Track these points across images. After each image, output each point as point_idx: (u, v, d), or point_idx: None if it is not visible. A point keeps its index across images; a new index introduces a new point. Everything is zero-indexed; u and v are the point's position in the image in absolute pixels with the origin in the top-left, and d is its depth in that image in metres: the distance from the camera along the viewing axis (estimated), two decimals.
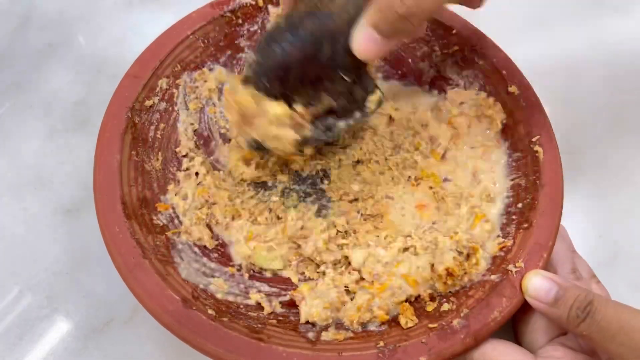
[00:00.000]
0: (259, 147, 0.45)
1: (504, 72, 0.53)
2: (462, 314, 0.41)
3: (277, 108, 0.42)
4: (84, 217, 0.54)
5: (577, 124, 0.62)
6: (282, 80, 0.41)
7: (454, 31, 0.55)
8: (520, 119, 0.51)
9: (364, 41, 0.37)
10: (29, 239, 0.53)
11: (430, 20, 0.55)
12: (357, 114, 0.45)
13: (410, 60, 0.58)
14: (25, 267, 0.52)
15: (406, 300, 0.44)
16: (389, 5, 0.35)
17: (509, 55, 0.54)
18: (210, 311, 0.40)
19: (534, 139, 0.49)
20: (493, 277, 0.43)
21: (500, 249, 0.45)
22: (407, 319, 0.42)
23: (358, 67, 0.42)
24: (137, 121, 0.48)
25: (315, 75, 0.41)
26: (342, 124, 0.45)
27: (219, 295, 0.43)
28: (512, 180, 0.50)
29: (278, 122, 0.42)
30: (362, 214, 0.49)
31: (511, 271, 0.43)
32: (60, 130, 0.60)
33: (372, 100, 0.45)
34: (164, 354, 0.48)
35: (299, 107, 0.43)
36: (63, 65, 0.65)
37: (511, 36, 0.56)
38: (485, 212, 0.48)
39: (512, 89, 0.52)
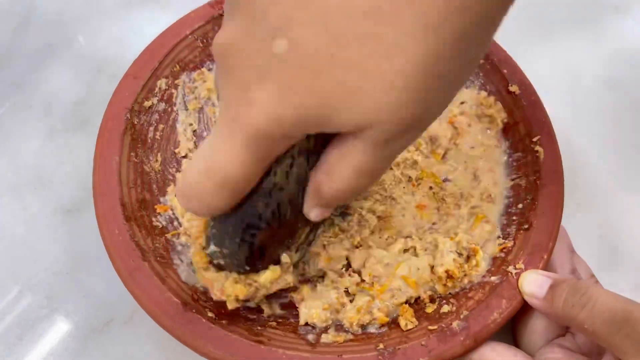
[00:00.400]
0: None
1: (504, 71, 0.53)
2: (461, 316, 0.41)
3: (269, 275, 0.40)
4: (84, 217, 0.54)
5: (577, 123, 0.62)
6: (261, 258, 0.40)
7: None
8: (521, 119, 0.51)
9: (320, 215, 0.36)
10: (29, 239, 0.53)
11: None
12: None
13: None
14: (25, 267, 0.52)
15: (406, 302, 0.44)
16: (316, 194, 0.34)
17: (510, 54, 0.53)
18: (209, 313, 0.40)
19: (534, 139, 0.49)
20: (493, 278, 0.43)
21: (501, 250, 0.45)
22: (407, 321, 0.42)
23: None
24: (136, 122, 0.48)
25: (288, 231, 0.40)
26: (319, 231, 0.45)
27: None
28: (512, 180, 0.50)
29: (274, 281, 0.41)
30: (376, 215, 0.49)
31: (511, 272, 0.43)
32: (60, 130, 0.60)
33: None
34: (164, 354, 0.48)
35: (285, 258, 0.41)
36: (63, 65, 0.65)
37: (511, 36, 0.56)
38: (485, 213, 0.48)
39: (513, 88, 0.52)
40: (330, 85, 0.26)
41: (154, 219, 0.46)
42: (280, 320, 0.43)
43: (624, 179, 0.59)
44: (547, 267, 0.44)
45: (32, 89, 0.62)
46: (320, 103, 0.26)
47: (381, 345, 0.40)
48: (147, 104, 0.50)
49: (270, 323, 0.42)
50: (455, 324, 0.40)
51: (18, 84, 0.63)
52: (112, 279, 0.41)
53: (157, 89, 0.51)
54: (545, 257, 0.43)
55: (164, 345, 0.48)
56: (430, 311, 0.43)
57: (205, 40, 0.54)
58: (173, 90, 0.52)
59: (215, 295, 0.40)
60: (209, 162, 0.30)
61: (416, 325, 0.42)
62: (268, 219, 0.36)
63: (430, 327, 0.41)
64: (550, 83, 0.64)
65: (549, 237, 0.44)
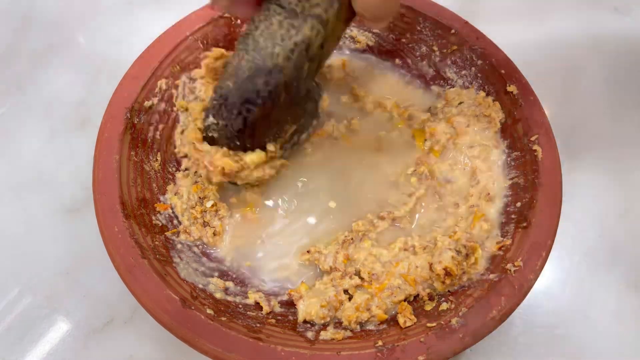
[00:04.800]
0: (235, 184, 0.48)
1: (502, 71, 0.53)
2: (460, 313, 0.41)
3: (255, 157, 0.45)
4: (84, 217, 0.54)
5: (576, 123, 0.62)
6: (251, 136, 0.44)
7: (453, 31, 0.55)
8: (519, 119, 0.51)
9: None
10: (29, 239, 0.53)
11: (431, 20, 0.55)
12: (314, 122, 0.51)
13: (409, 60, 0.58)
14: (25, 267, 0.52)
15: (405, 300, 0.44)
16: None
17: (509, 55, 0.53)
18: (209, 311, 0.40)
19: (532, 138, 0.49)
20: (492, 276, 0.43)
21: (499, 248, 0.45)
22: (406, 318, 0.42)
23: (308, 87, 0.46)
24: (136, 122, 0.48)
25: (277, 117, 0.44)
26: (304, 136, 0.50)
27: (217, 295, 0.43)
28: (510, 179, 0.50)
29: (257, 166, 0.46)
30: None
31: (510, 270, 0.43)
32: (61, 130, 0.60)
33: (322, 106, 0.49)
34: (164, 354, 0.48)
35: (270, 146, 0.46)
36: (63, 65, 0.65)
37: (511, 36, 0.56)
38: (484, 212, 0.48)
39: (511, 88, 0.52)
40: None
41: (153, 218, 0.46)
42: (279, 317, 0.43)
43: (622, 179, 0.59)
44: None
45: (32, 89, 0.63)
46: None
47: (380, 342, 0.40)
48: (147, 104, 0.50)
49: (269, 320, 0.42)
50: (454, 321, 0.40)
51: (18, 84, 0.63)
52: (112, 278, 0.41)
53: (157, 89, 0.51)
54: (544, 254, 0.43)
55: (163, 344, 0.48)
56: (429, 309, 0.43)
57: (205, 42, 0.54)
58: (173, 91, 0.52)
59: (204, 168, 0.44)
60: None
61: (415, 323, 0.42)
62: (264, 97, 0.40)
63: (429, 325, 0.41)
64: (549, 82, 0.64)
65: (548, 235, 0.44)
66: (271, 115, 0.43)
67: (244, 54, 0.41)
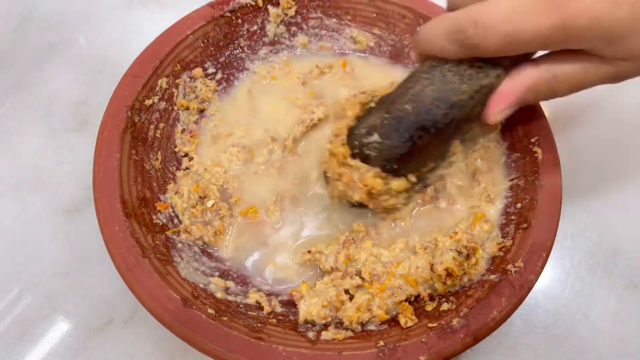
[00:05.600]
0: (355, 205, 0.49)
1: None
2: (461, 314, 0.41)
3: (401, 184, 0.45)
4: (84, 217, 0.54)
5: (576, 124, 0.62)
6: (408, 162, 0.44)
7: None
8: (519, 120, 0.51)
9: (506, 115, 0.43)
10: (29, 239, 0.53)
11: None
12: (444, 163, 0.50)
13: (410, 61, 0.58)
14: (25, 267, 0.52)
15: (406, 300, 0.44)
16: (540, 84, 0.41)
17: None
18: (210, 310, 0.40)
19: (532, 140, 0.49)
20: (492, 276, 0.43)
21: (500, 249, 0.45)
22: (407, 319, 0.42)
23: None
24: (136, 120, 0.48)
25: (432, 151, 0.46)
26: (437, 172, 0.50)
27: (218, 295, 0.43)
28: (511, 180, 0.50)
29: (398, 193, 0.46)
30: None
31: (510, 271, 0.42)
32: (60, 130, 0.60)
33: (452, 150, 0.50)
34: (164, 354, 0.48)
35: (412, 177, 0.46)
36: (63, 65, 0.65)
37: None
38: (484, 212, 0.48)
39: None
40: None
41: (154, 217, 0.46)
42: (280, 317, 0.43)
43: (622, 179, 0.59)
44: None
45: (32, 89, 0.63)
46: (631, 20, 0.35)
47: (381, 343, 0.40)
48: (147, 102, 0.50)
49: (270, 320, 0.42)
50: (455, 321, 0.40)
51: (18, 84, 0.63)
52: (112, 279, 0.41)
53: (158, 88, 0.51)
54: (544, 255, 0.43)
55: (164, 344, 0.48)
56: (430, 309, 0.43)
57: (206, 40, 0.54)
58: (174, 90, 0.52)
59: (348, 184, 0.45)
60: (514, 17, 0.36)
61: (416, 323, 0.42)
62: (440, 128, 0.42)
63: (430, 325, 0.41)
64: None
65: (548, 236, 0.44)
66: (430, 148, 0.44)
67: (429, 84, 0.42)
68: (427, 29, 0.41)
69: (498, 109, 0.42)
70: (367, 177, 0.44)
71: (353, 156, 0.45)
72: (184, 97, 0.53)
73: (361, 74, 0.59)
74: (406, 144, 0.43)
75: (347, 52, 0.60)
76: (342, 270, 0.46)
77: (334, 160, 0.46)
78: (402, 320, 0.42)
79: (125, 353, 0.48)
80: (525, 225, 0.45)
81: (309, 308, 0.42)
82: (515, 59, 0.40)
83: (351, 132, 0.46)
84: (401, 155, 0.43)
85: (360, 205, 0.47)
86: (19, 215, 0.55)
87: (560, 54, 0.40)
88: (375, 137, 0.43)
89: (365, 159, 0.44)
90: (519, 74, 0.41)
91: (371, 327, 0.42)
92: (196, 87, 0.54)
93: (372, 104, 0.47)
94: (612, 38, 0.36)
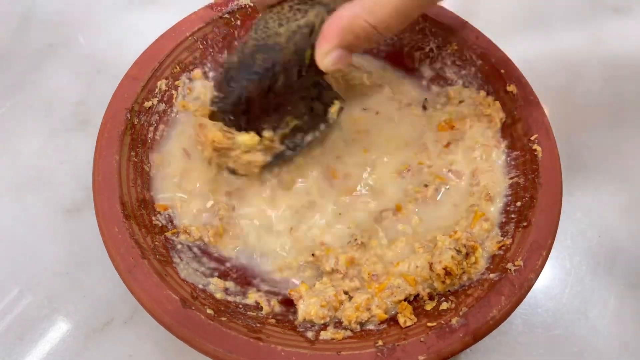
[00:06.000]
0: (233, 172, 0.49)
1: (502, 71, 0.53)
2: (461, 313, 0.41)
3: (246, 139, 0.45)
4: (84, 217, 0.54)
5: (576, 123, 0.62)
6: (245, 113, 0.44)
7: (453, 31, 0.55)
8: (519, 118, 0.51)
9: (334, 59, 0.40)
10: (29, 239, 0.53)
11: (430, 20, 0.55)
12: (322, 126, 0.50)
13: (409, 60, 0.58)
14: (25, 267, 0.52)
15: (405, 300, 0.44)
16: (355, 23, 0.38)
17: (509, 55, 0.54)
18: (209, 311, 0.40)
19: (532, 138, 0.49)
20: (492, 275, 0.43)
21: (499, 248, 0.45)
22: (406, 318, 0.42)
23: (315, 85, 0.47)
24: (136, 122, 0.49)
25: (276, 103, 0.45)
26: (308, 137, 0.49)
27: (218, 295, 0.43)
28: (511, 179, 0.50)
29: (249, 150, 0.46)
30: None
31: (510, 270, 0.42)
32: (60, 130, 0.60)
33: (332, 111, 0.49)
34: (164, 354, 0.48)
35: (267, 133, 0.46)
36: (63, 65, 0.65)
37: (511, 36, 0.56)
38: (484, 211, 0.48)
39: (511, 88, 0.52)
40: None
41: (153, 218, 0.46)
42: (279, 317, 0.43)
43: (622, 178, 0.59)
44: None
45: (32, 89, 0.63)
46: None
47: (380, 342, 0.40)
48: (147, 104, 0.50)
49: (269, 320, 0.42)
50: (454, 320, 0.40)
51: (18, 84, 0.63)
52: (112, 279, 0.41)
53: (157, 90, 0.51)
54: (544, 254, 0.43)
55: (163, 344, 0.48)
56: (429, 308, 0.43)
57: (205, 42, 0.54)
58: (173, 91, 0.52)
59: (199, 139, 0.46)
60: None
61: (415, 322, 0.42)
62: (261, 73, 0.42)
63: (429, 324, 0.41)
64: (549, 82, 0.64)
65: (548, 234, 0.44)
66: (269, 98, 0.44)
67: (252, 33, 0.43)
68: None
69: (321, 51, 0.40)
70: (210, 130, 0.45)
71: (209, 117, 0.46)
72: (184, 99, 0.53)
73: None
74: (234, 93, 0.43)
75: None
76: (343, 272, 0.46)
77: (196, 122, 0.47)
78: (401, 320, 0.42)
79: (125, 353, 0.48)
80: (525, 224, 0.45)
81: (308, 308, 0.42)
82: None
83: None
84: (233, 104, 0.43)
85: (234, 172, 0.49)
86: (19, 215, 0.55)
87: None
88: (215, 92, 0.44)
89: (213, 116, 0.46)
90: (335, 14, 0.39)
91: (370, 326, 0.42)
92: (195, 88, 0.54)
93: None
94: None
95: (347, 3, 0.39)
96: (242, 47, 0.43)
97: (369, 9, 0.37)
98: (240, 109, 0.44)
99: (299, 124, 0.48)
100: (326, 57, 0.40)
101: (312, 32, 0.41)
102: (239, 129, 0.45)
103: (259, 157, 0.47)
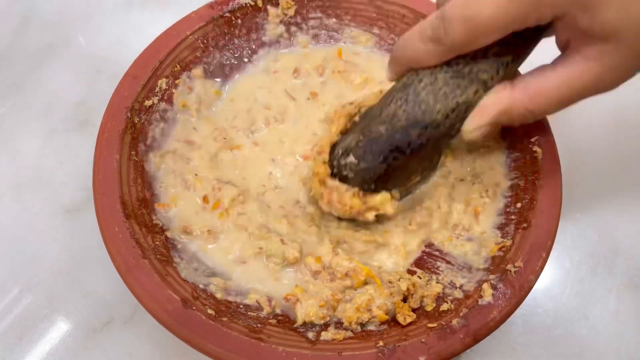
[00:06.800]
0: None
1: None
2: (461, 314, 0.41)
3: (381, 202, 0.46)
4: (84, 217, 0.54)
5: (576, 124, 0.62)
6: (387, 181, 0.45)
7: None
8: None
9: (482, 134, 0.41)
10: (29, 239, 0.53)
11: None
12: (434, 174, 0.50)
13: None
14: (25, 267, 0.52)
15: (403, 300, 0.44)
16: (514, 108, 0.38)
17: None
18: (209, 311, 0.40)
19: (532, 139, 0.49)
20: (492, 277, 0.43)
21: (499, 249, 0.45)
22: (405, 315, 0.42)
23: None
24: (136, 121, 0.48)
25: (413, 168, 0.46)
26: (422, 186, 0.50)
27: (218, 295, 0.43)
28: (510, 180, 0.50)
29: (381, 205, 0.46)
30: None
31: (510, 271, 0.42)
32: (60, 130, 0.60)
33: (443, 161, 0.50)
34: (164, 354, 0.48)
35: (395, 193, 0.47)
36: (63, 65, 0.65)
37: None
38: (484, 212, 0.49)
39: None
40: None
41: (154, 217, 0.46)
42: (280, 317, 0.43)
43: (622, 179, 0.59)
44: None
45: (32, 89, 0.63)
46: None
47: (381, 343, 0.40)
48: (147, 103, 0.50)
49: (270, 321, 0.42)
50: (454, 321, 0.40)
51: (18, 84, 0.63)
52: (112, 279, 0.41)
53: (157, 89, 0.51)
54: (544, 255, 0.43)
55: (164, 344, 0.48)
56: (429, 309, 0.43)
57: (205, 41, 0.54)
58: (173, 90, 0.52)
59: (327, 204, 0.46)
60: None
61: (416, 323, 0.42)
62: (414, 149, 0.41)
63: (429, 325, 0.41)
64: None
65: (548, 236, 0.44)
66: (409, 165, 0.44)
67: (403, 103, 0.41)
68: (403, 37, 0.40)
69: (472, 126, 0.40)
70: (346, 197, 0.45)
71: (334, 175, 0.46)
72: (184, 98, 0.53)
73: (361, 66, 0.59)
74: (381, 166, 0.43)
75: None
76: (329, 273, 0.46)
77: (315, 179, 0.46)
78: (400, 318, 0.42)
79: (125, 353, 0.48)
80: (525, 225, 0.45)
81: (307, 310, 0.42)
82: (500, 69, 0.39)
83: (332, 149, 0.46)
84: (378, 175, 0.44)
85: (352, 220, 0.48)
86: (19, 215, 0.55)
87: (538, 69, 0.38)
88: (351, 159, 0.44)
89: (344, 179, 0.45)
90: (496, 94, 0.39)
91: (371, 327, 0.42)
92: (196, 87, 0.54)
93: (357, 118, 0.47)
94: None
95: (508, 83, 0.39)
96: (391, 117, 0.42)
97: (532, 97, 0.37)
98: (382, 178, 0.44)
99: (420, 178, 0.48)
100: (476, 134, 0.40)
101: (468, 109, 0.40)
102: (373, 191, 0.46)
103: (390, 210, 0.47)
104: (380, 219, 0.49)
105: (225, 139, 0.53)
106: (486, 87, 0.39)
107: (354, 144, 0.44)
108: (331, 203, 0.46)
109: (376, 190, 0.46)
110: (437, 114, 0.40)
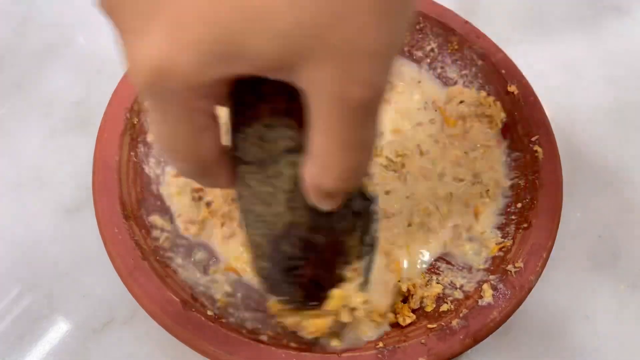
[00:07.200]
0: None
1: (503, 71, 0.53)
2: (461, 315, 0.41)
3: (337, 301, 0.38)
4: (84, 217, 0.54)
5: (577, 123, 0.62)
6: (321, 289, 0.37)
7: (453, 31, 0.55)
8: (520, 119, 0.51)
9: (335, 203, 0.30)
10: (29, 239, 0.53)
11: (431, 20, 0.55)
12: (375, 222, 0.39)
13: (409, 60, 0.58)
14: (25, 267, 0.52)
15: (402, 301, 0.44)
16: (321, 185, 0.27)
17: (509, 55, 0.53)
18: (209, 312, 0.40)
19: (533, 139, 0.49)
20: (492, 277, 0.43)
21: (500, 249, 0.45)
22: (405, 316, 0.42)
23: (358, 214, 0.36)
24: (135, 122, 0.48)
25: (332, 253, 0.36)
26: (373, 225, 0.39)
27: (218, 296, 0.43)
28: (511, 180, 0.50)
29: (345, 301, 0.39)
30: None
31: (510, 271, 0.43)
32: (60, 130, 0.60)
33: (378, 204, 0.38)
34: (164, 354, 0.48)
35: (348, 273, 0.37)
36: (63, 65, 0.65)
37: (511, 36, 0.56)
38: (484, 212, 0.49)
39: (512, 88, 0.52)
40: (229, 9, 0.20)
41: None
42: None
43: (623, 179, 0.59)
44: None
45: (32, 89, 0.62)
46: (221, 33, 0.20)
47: (381, 344, 0.40)
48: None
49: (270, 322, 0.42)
50: (454, 322, 0.40)
51: (18, 84, 0.63)
52: (112, 279, 0.41)
53: None
54: (545, 256, 0.43)
55: (164, 345, 0.48)
56: (429, 310, 0.43)
57: None
58: None
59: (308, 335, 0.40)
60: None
61: (415, 323, 0.42)
62: (302, 256, 0.34)
63: (429, 326, 0.41)
64: (549, 83, 0.64)
65: (548, 236, 0.44)
66: (325, 258, 0.35)
67: (254, 231, 0.34)
68: None
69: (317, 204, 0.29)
70: (309, 325, 0.39)
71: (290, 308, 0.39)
72: None
73: None
74: (299, 289, 0.36)
75: None
76: None
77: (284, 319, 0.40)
78: (400, 319, 0.42)
79: (126, 353, 0.48)
80: (525, 225, 0.45)
81: (310, 328, 0.39)
82: None
83: None
84: (306, 296, 0.37)
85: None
86: (19, 215, 0.55)
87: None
88: (279, 299, 0.38)
89: (297, 307, 0.39)
90: (303, 172, 0.28)
91: None
92: None
93: None
94: (229, 56, 0.21)
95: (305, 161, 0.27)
96: (259, 249, 0.34)
97: (322, 166, 0.26)
98: (314, 292, 0.37)
99: (359, 234, 0.37)
100: (325, 207, 0.30)
101: (298, 182, 0.30)
102: (325, 299, 0.38)
103: (359, 297, 0.38)
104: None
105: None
106: (295, 149, 0.29)
107: (265, 289, 0.37)
108: (300, 329, 0.41)
109: (327, 290, 0.38)
110: (282, 216, 0.32)
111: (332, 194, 0.28)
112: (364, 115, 0.23)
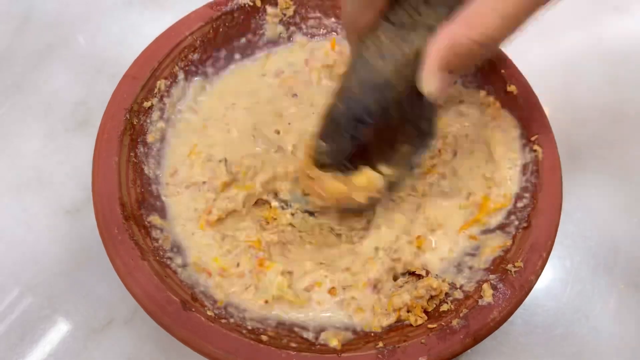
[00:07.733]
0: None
1: (502, 71, 0.52)
2: (461, 314, 0.41)
3: (364, 179, 0.43)
4: (84, 218, 0.54)
5: (576, 123, 0.62)
6: (362, 157, 0.42)
7: None
8: (519, 119, 0.51)
9: (438, 85, 0.35)
10: (29, 240, 0.53)
11: None
12: (431, 141, 0.46)
13: None
14: (25, 267, 0.52)
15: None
16: (455, 42, 0.33)
17: (508, 54, 0.53)
18: (209, 312, 0.40)
19: (532, 138, 0.49)
20: (492, 277, 0.43)
21: (500, 249, 0.45)
22: (417, 317, 0.42)
23: (420, 104, 0.40)
24: (135, 123, 0.48)
25: (390, 137, 0.42)
26: (423, 155, 0.48)
27: (218, 297, 0.43)
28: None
29: (367, 188, 0.44)
30: None
31: (510, 271, 0.42)
32: (60, 130, 0.60)
33: (437, 123, 0.45)
34: (164, 354, 0.48)
35: (383, 169, 0.44)
36: (63, 65, 0.65)
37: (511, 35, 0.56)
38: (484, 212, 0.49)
39: (511, 88, 0.51)
40: None
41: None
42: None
43: (623, 178, 0.59)
44: None
45: (32, 89, 0.63)
46: None
47: (381, 344, 0.40)
48: (146, 104, 0.50)
49: (270, 322, 0.42)
50: (455, 322, 0.40)
51: (18, 84, 0.63)
52: (112, 279, 0.41)
53: (156, 90, 0.51)
54: (545, 255, 0.43)
55: (164, 345, 0.48)
56: (430, 309, 0.43)
57: (204, 41, 0.54)
58: (173, 91, 0.52)
59: (317, 197, 0.44)
60: None
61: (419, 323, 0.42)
62: (376, 115, 0.39)
63: (429, 326, 0.41)
64: (549, 83, 0.64)
65: (548, 236, 0.44)
66: (384, 136, 0.41)
67: (352, 72, 0.39)
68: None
69: (426, 76, 0.35)
70: (327, 182, 0.43)
71: (317, 166, 0.44)
72: (184, 99, 0.53)
73: None
74: (351, 143, 0.41)
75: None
76: None
77: (301, 174, 0.45)
78: (412, 319, 0.42)
79: (125, 353, 0.48)
80: (525, 225, 0.45)
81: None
82: (444, 11, 0.35)
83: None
84: (351, 153, 0.42)
85: (357, 209, 0.47)
86: (19, 215, 0.55)
87: None
88: (321, 144, 0.42)
89: (324, 166, 0.43)
90: (437, 35, 0.34)
91: None
92: (196, 88, 0.54)
93: None
94: None
95: (448, 21, 0.34)
96: (345, 92, 0.39)
97: (468, 23, 0.32)
98: (357, 155, 0.42)
99: (410, 150, 0.45)
100: (430, 84, 0.35)
101: (418, 59, 0.35)
102: (354, 170, 0.43)
103: (378, 194, 0.44)
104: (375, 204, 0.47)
105: None
106: (433, 33, 0.35)
107: (322, 127, 0.42)
108: (318, 195, 0.45)
109: (357, 169, 0.43)
110: (389, 74, 0.37)
111: (455, 63, 0.34)
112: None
